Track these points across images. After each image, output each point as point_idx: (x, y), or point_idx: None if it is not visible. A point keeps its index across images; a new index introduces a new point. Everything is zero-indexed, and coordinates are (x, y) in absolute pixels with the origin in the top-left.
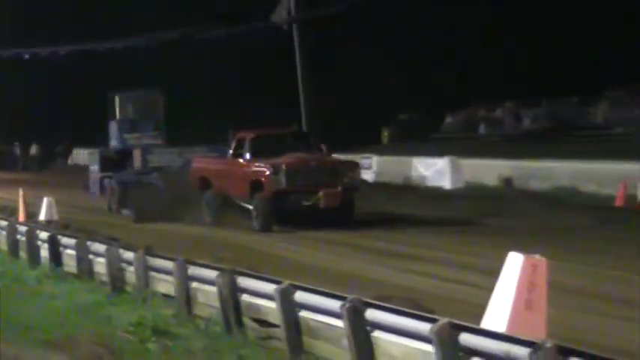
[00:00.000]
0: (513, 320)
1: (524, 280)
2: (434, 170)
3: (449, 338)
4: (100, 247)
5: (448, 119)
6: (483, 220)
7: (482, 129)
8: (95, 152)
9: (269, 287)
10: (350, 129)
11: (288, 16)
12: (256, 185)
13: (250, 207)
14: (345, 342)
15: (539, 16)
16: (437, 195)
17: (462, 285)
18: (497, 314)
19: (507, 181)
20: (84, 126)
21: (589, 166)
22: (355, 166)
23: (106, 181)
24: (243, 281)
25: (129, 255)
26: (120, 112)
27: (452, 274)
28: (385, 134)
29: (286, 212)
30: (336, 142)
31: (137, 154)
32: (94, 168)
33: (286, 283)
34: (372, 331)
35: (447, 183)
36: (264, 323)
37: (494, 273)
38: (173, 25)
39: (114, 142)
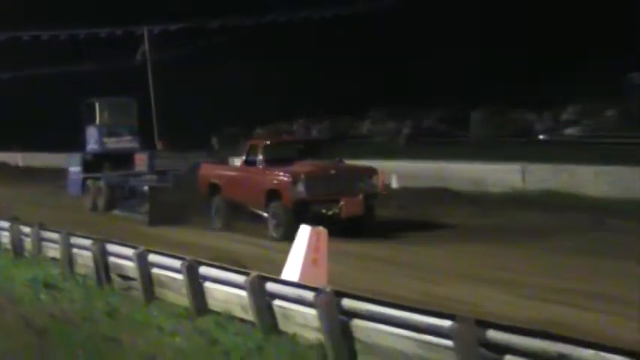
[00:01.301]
0: (303, 273)
1: (310, 245)
2: None
3: (258, 286)
4: (4, 224)
5: (258, 130)
6: None
7: None
8: (77, 155)
9: (129, 251)
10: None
11: (142, 57)
12: (273, 194)
13: (265, 214)
14: (184, 290)
15: (326, 51)
16: None
17: (269, 250)
18: (292, 269)
19: None
20: None
21: (357, 164)
22: (374, 172)
23: (89, 182)
24: (111, 247)
25: (27, 229)
26: (99, 117)
27: (263, 242)
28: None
29: (305, 222)
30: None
31: (141, 158)
32: (75, 169)
33: (142, 248)
34: (204, 282)
35: None
36: (126, 278)
37: (290, 240)
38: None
39: (92, 146)
